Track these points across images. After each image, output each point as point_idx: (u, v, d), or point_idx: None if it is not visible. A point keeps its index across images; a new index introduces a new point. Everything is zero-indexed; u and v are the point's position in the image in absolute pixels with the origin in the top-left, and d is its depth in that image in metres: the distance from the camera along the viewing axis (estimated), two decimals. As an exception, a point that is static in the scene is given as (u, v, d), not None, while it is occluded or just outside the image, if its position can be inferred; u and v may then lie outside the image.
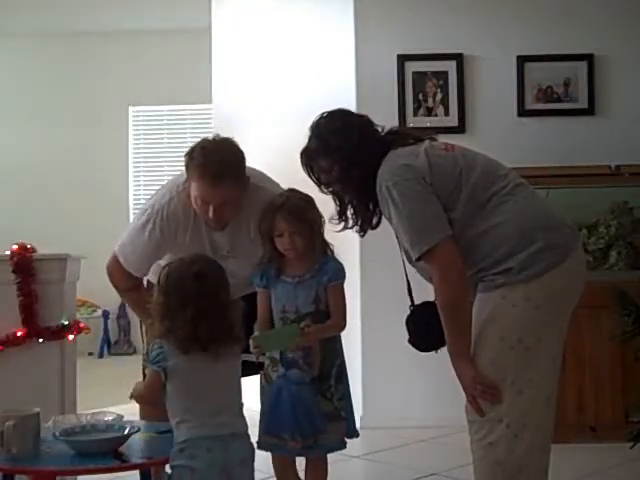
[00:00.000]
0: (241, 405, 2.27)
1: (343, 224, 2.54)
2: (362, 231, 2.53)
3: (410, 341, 2.53)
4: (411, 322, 2.54)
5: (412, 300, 2.57)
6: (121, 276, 2.96)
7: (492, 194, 2.30)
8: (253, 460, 2.24)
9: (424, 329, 2.47)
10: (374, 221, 2.48)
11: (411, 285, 2.59)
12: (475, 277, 2.28)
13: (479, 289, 2.28)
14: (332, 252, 2.70)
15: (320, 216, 2.64)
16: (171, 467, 2.18)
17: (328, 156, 2.42)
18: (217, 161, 2.67)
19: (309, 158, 2.48)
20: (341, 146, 2.41)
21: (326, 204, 2.60)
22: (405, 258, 2.44)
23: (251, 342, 2.53)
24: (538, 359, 2.22)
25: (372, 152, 2.39)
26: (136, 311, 3.13)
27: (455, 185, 2.29)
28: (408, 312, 2.57)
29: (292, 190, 2.68)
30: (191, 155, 2.73)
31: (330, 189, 2.50)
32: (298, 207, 2.60)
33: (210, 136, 2.85)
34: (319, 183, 2.49)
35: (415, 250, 2.25)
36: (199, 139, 2.84)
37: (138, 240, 2.87)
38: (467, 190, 2.29)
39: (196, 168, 2.69)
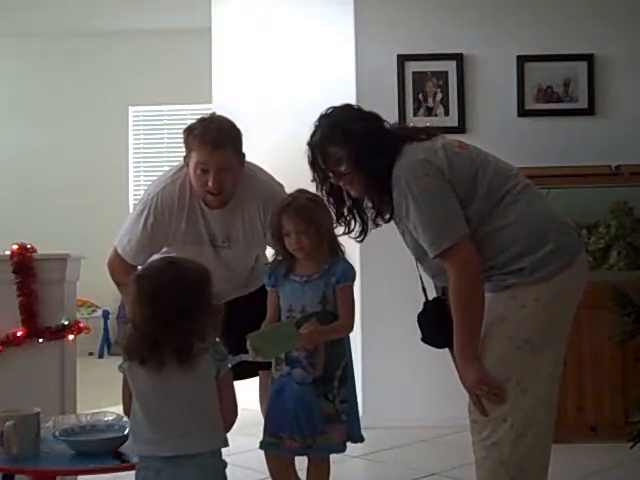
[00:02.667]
0: (206, 423, 2.03)
1: (342, 228, 2.53)
2: (362, 234, 2.51)
3: (423, 339, 2.53)
4: (422, 319, 2.54)
5: (426, 297, 2.56)
6: (121, 270, 2.98)
7: (505, 193, 2.30)
8: None
9: (435, 326, 2.47)
10: (386, 216, 2.42)
11: (424, 282, 2.57)
12: (483, 275, 2.28)
13: (486, 288, 2.27)
14: (343, 253, 2.70)
15: (329, 216, 2.63)
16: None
17: (341, 144, 2.36)
18: (216, 128, 2.80)
19: (319, 146, 2.40)
20: (357, 133, 2.35)
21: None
22: (414, 254, 2.42)
23: (248, 343, 2.52)
24: (543, 360, 2.23)
25: (387, 143, 2.36)
26: None
27: (471, 182, 2.29)
28: (418, 310, 2.56)
29: (301, 190, 2.68)
30: (190, 128, 2.85)
31: (330, 186, 2.45)
32: (305, 207, 2.60)
33: (205, 115, 2.95)
34: (323, 176, 2.43)
35: (433, 248, 2.23)
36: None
37: (134, 229, 2.92)
38: (483, 188, 2.28)
39: (196, 137, 2.79)
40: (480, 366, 2.21)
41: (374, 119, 2.44)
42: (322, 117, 2.46)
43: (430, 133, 2.44)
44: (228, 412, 2.09)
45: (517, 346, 2.21)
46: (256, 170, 2.99)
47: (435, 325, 2.50)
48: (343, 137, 2.36)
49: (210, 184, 2.78)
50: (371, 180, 2.37)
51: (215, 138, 2.76)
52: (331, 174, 2.42)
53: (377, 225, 2.47)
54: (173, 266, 2.08)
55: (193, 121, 2.88)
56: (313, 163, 2.44)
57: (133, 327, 2.02)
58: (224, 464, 2.08)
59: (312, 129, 2.45)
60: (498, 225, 2.27)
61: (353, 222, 2.51)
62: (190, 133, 2.82)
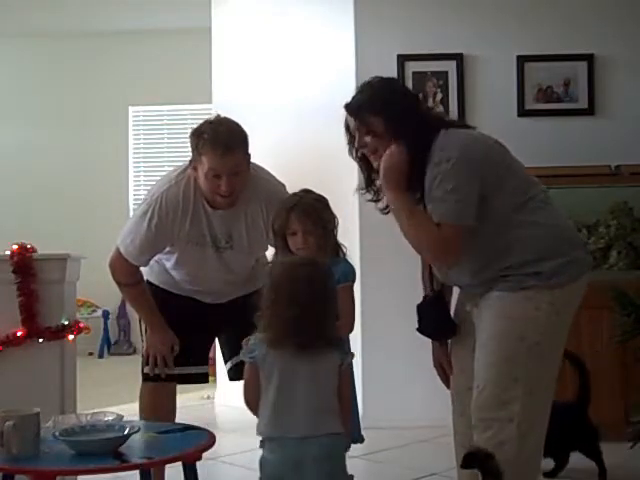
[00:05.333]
0: (328, 409, 2.17)
1: (371, 196, 2.51)
2: (388, 207, 2.48)
3: (419, 329, 2.54)
4: (421, 310, 2.55)
5: (425, 288, 2.58)
6: (123, 270, 2.97)
7: (530, 197, 2.33)
8: (336, 458, 2.18)
9: (433, 318, 2.49)
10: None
11: (426, 273, 2.58)
12: (496, 274, 2.29)
13: (500, 287, 2.29)
14: (344, 254, 2.70)
15: (334, 217, 2.63)
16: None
17: (379, 114, 2.34)
18: (226, 131, 2.78)
19: (356, 111, 2.38)
20: (398, 107, 2.35)
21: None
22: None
23: (244, 344, 2.52)
24: (549, 363, 2.28)
25: (425, 123, 2.36)
26: (135, 307, 3.14)
27: (498, 177, 2.30)
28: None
29: (306, 190, 2.68)
30: (199, 132, 2.80)
31: (364, 150, 2.42)
32: (313, 207, 2.60)
33: (210, 117, 2.92)
34: (359, 140, 2.41)
35: (439, 215, 2.24)
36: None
37: (138, 229, 2.89)
38: (510, 187, 2.31)
39: (207, 141, 2.75)
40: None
41: (416, 98, 2.46)
42: (365, 84, 2.43)
43: (464, 124, 2.47)
44: (347, 400, 2.25)
45: (528, 347, 2.23)
46: (258, 170, 2.98)
47: (433, 317, 2.51)
48: (382, 108, 2.35)
49: (223, 188, 2.76)
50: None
51: (226, 142, 2.73)
52: (357, 141, 2.40)
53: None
54: (319, 267, 2.24)
55: (198, 124, 2.85)
56: (347, 127, 2.44)
57: (289, 321, 2.12)
58: (346, 444, 2.24)
59: (355, 92, 2.43)
60: (524, 225, 2.29)
61: (381, 193, 2.49)
62: (199, 137, 2.78)
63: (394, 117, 2.33)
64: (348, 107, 2.42)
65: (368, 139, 2.37)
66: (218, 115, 2.93)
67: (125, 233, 2.94)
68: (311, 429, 2.13)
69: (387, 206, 2.47)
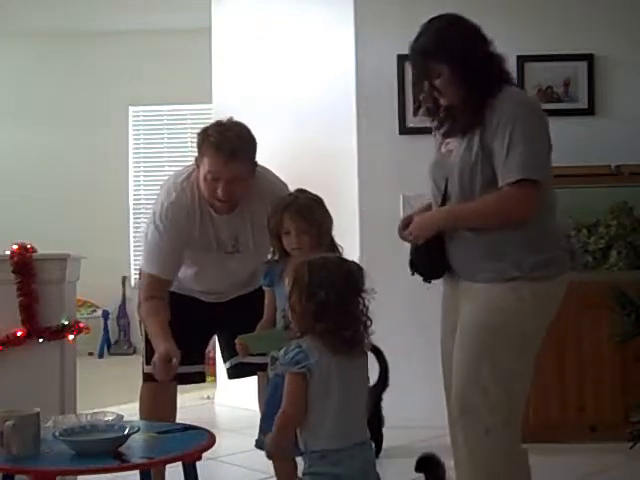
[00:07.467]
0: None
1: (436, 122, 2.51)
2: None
3: (412, 267, 2.48)
4: (416, 249, 2.48)
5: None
6: (153, 285, 2.87)
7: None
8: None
9: (429, 255, 2.43)
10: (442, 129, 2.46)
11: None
12: (477, 267, 2.30)
13: (481, 278, 2.29)
14: (340, 254, 2.69)
15: (329, 217, 2.64)
16: (305, 474, 2.04)
17: (445, 61, 2.36)
18: (234, 137, 2.72)
19: (423, 56, 2.39)
20: (465, 54, 2.42)
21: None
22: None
23: (237, 342, 2.54)
24: (529, 356, 2.30)
25: (491, 73, 2.47)
26: (149, 323, 2.90)
27: None
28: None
29: (302, 190, 2.68)
30: (206, 133, 2.76)
31: (434, 93, 2.43)
32: (307, 206, 2.60)
33: (223, 119, 2.86)
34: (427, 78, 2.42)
35: (521, 171, 2.23)
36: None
37: (154, 241, 2.85)
38: None
39: (212, 144, 2.71)
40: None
41: (484, 40, 2.56)
42: (427, 26, 2.46)
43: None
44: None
45: (507, 337, 2.27)
46: (265, 172, 2.95)
47: (424, 254, 2.43)
48: (446, 56, 2.38)
49: (219, 192, 2.74)
50: (466, 96, 2.37)
51: (231, 150, 2.69)
52: (427, 82, 2.40)
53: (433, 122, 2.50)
54: (345, 262, 2.16)
55: (200, 123, 2.82)
56: (415, 65, 2.44)
57: (347, 322, 2.04)
58: None
59: (418, 31, 2.43)
60: None
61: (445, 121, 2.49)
62: (205, 139, 2.74)
63: (459, 66, 2.36)
64: (413, 53, 2.41)
65: (437, 82, 2.38)
66: (231, 118, 2.84)
67: (144, 253, 2.90)
68: (364, 434, 2.09)
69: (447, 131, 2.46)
